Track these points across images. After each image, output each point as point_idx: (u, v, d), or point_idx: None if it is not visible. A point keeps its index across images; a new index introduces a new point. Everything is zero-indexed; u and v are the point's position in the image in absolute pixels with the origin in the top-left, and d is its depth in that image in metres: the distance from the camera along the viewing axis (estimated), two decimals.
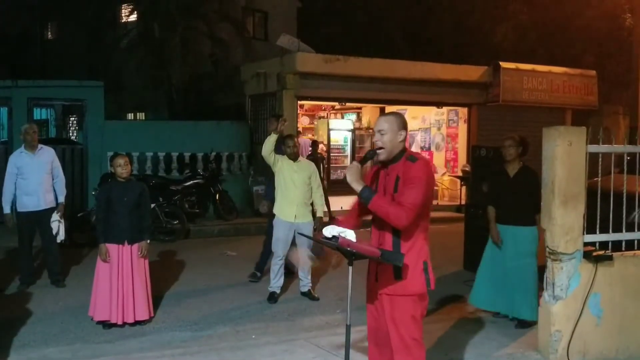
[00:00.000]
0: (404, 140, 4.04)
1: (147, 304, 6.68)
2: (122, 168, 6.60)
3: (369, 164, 4.27)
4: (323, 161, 15.77)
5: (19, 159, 8.05)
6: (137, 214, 6.65)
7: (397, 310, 3.97)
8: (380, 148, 3.99)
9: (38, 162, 8.06)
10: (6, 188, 8.00)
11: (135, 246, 6.60)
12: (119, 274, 6.49)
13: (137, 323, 6.58)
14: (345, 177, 3.95)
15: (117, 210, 6.54)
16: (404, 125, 4.03)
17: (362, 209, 4.12)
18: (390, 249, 3.93)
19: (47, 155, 8.20)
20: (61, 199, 8.24)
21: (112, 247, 6.51)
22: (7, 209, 8.01)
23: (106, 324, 6.50)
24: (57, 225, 8.10)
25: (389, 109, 17.58)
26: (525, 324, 6.49)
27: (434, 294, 7.60)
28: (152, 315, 6.83)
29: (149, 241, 6.76)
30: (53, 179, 8.19)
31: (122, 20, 22.04)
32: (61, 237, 8.18)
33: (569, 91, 17.95)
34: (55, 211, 8.10)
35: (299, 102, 15.62)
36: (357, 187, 3.87)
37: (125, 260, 6.53)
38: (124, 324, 6.50)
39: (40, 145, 8.18)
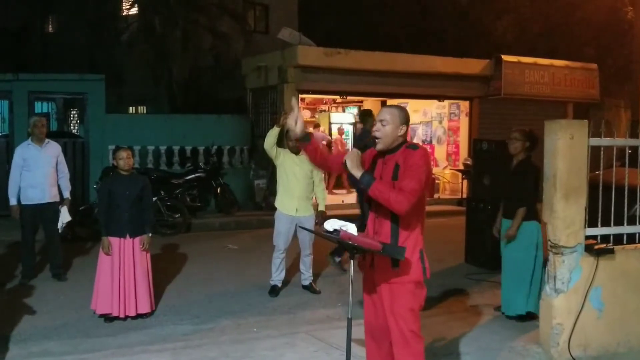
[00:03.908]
0: (405, 134, 4.03)
1: (149, 297, 6.70)
2: (125, 161, 6.61)
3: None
4: None
5: (26, 150, 8.05)
6: (139, 207, 6.65)
7: (396, 302, 3.98)
8: (378, 138, 3.99)
9: (45, 156, 8.07)
10: (12, 179, 7.99)
11: (137, 239, 6.61)
12: (121, 268, 6.50)
13: (139, 316, 6.59)
14: (345, 164, 3.94)
15: (119, 204, 6.55)
16: (406, 120, 4.02)
17: (335, 162, 4.25)
18: (388, 237, 3.93)
19: (54, 150, 8.21)
20: (67, 194, 8.27)
21: (114, 241, 6.52)
22: (13, 201, 7.99)
23: (108, 318, 6.51)
24: (65, 218, 8.13)
25: (390, 102, 17.55)
26: (526, 318, 6.50)
27: (436, 286, 7.65)
28: (154, 308, 6.85)
29: (151, 235, 6.78)
30: (58, 175, 8.20)
31: (123, 14, 21.99)
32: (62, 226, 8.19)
33: (570, 84, 17.92)
34: (61, 206, 8.11)
35: (300, 96, 15.59)
36: (357, 173, 3.86)
37: (127, 253, 6.55)
38: (126, 317, 6.51)
39: (47, 140, 8.19)
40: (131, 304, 6.52)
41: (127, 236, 6.56)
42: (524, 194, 6.46)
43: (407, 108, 15.92)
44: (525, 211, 6.44)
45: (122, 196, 6.55)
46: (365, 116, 9.36)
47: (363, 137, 9.17)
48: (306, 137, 4.16)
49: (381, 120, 3.98)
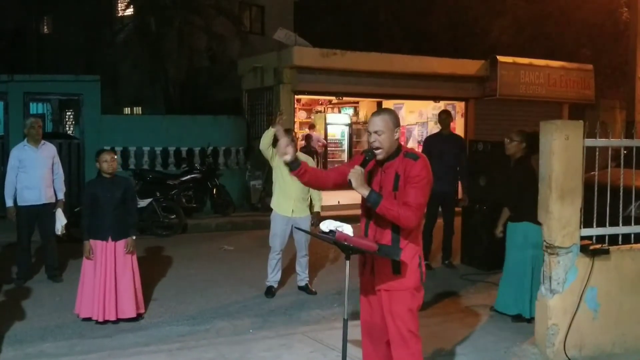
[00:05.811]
0: (399, 137, 4.03)
1: (134, 300, 6.57)
2: (109, 164, 6.53)
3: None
4: (317, 155, 15.79)
5: (22, 152, 8.05)
6: (122, 210, 6.57)
7: (395, 303, 3.99)
8: (377, 148, 3.98)
9: (41, 157, 8.07)
10: (9, 181, 7.99)
11: (121, 243, 6.53)
12: (103, 271, 6.43)
13: (119, 320, 6.47)
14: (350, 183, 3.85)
15: (102, 207, 6.47)
16: (398, 122, 4.02)
17: (337, 179, 4.08)
18: (389, 245, 3.93)
19: (50, 151, 8.22)
20: (60, 196, 8.26)
21: (96, 244, 6.46)
22: (9, 203, 7.99)
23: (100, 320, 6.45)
24: (62, 220, 8.10)
25: (386, 103, 17.54)
26: (522, 318, 6.50)
27: (432, 287, 7.65)
28: (143, 310, 6.78)
29: (135, 237, 6.68)
30: (53, 175, 8.19)
31: (119, 15, 21.97)
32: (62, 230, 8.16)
33: (566, 85, 17.94)
34: (55, 208, 8.09)
35: (296, 97, 15.59)
36: (364, 192, 3.83)
37: (109, 257, 6.47)
38: (105, 321, 6.41)
39: (42, 141, 8.18)
40: (111, 308, 6.41)
41: (109, 239, 6.48)
42: (520, 194, 6.44)
43: (403, 109, 15.89)
44: (509, 211, 6.55)
45: (104, 199, 6.47)
46: (443, 118, 9.35)
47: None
48: (295, 164, 3.92)
49: (376, 132, 3.95)
